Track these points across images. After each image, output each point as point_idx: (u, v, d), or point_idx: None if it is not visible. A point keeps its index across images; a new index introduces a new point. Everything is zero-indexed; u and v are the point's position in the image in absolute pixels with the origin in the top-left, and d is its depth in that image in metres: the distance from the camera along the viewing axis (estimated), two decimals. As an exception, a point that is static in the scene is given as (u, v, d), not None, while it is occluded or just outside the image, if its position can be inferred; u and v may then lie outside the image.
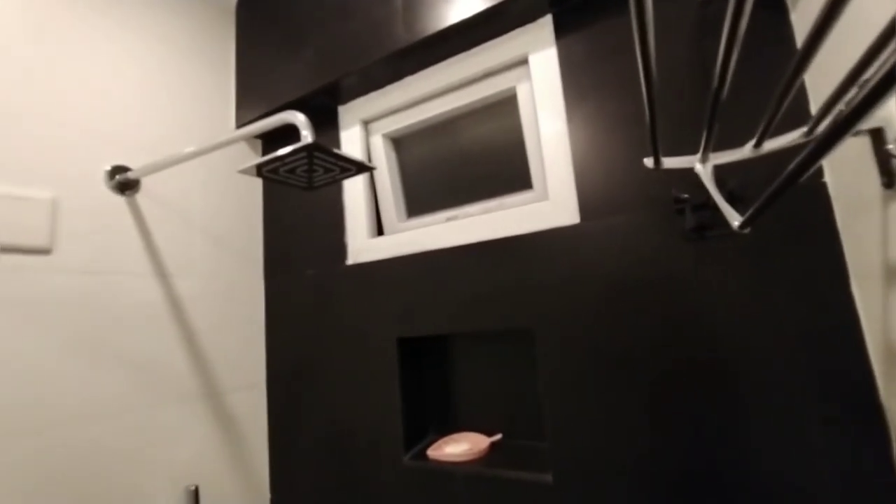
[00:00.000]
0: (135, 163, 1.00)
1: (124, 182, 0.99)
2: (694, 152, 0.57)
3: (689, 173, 0.59)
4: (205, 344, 1.11)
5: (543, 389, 0.86)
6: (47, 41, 0.91)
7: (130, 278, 0.98)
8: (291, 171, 0.68)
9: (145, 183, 1.03)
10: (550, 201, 0.90)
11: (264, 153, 1.35)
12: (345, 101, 1.19)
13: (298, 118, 0.68)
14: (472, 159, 1.12)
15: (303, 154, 0.62)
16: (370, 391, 1.07)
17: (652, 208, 0.79)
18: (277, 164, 0.65)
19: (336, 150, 0.64)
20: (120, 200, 0.99)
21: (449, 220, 1.06)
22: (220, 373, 1.13)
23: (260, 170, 0.66)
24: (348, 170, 0.71)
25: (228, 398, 1.14)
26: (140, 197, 1.03)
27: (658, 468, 0.74)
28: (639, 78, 0.35)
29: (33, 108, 0.87)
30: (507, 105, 1.04)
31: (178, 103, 1.14)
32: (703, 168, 0.54)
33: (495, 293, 0.93)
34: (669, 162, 0.56)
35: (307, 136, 0.63)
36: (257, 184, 1.33)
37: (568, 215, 0.87)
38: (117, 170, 0.98)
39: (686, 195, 0.72)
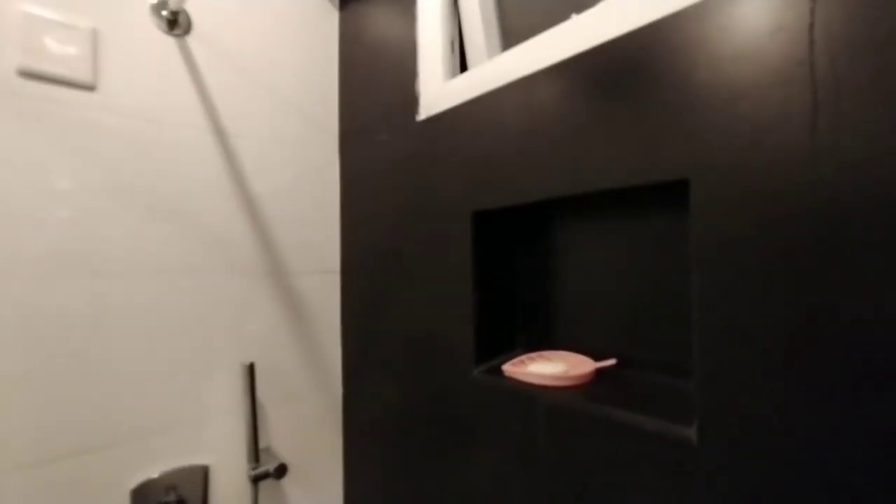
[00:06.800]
0: (181, -5, 0.85)
1: (171, 19, 0.86)
2: None
3: None
4: (271, 217, 0.99)
5: (700, 292, 0.49)
6: None
7: (186, 130, 0.88)
8: None
9: (198, 26, 0.89)
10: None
11: (341, 10, 1.12)
12: None
13: None
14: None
15: None
16: (444, 284, 0.82)
17: None
18: None
19: None
20: (170, 41, 0.86)
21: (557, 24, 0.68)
22: (288, 252, 1.01)
23: None
24: None
25: (298, 281, 1.03)
26: (191, 40, 0.89)
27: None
28: None
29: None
30: None
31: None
32: None
33: (621, 123, 0.56)
34: None
35: None
36: (333, 43, 1.12)
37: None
38: (163, 4, 0.85)
39: None
